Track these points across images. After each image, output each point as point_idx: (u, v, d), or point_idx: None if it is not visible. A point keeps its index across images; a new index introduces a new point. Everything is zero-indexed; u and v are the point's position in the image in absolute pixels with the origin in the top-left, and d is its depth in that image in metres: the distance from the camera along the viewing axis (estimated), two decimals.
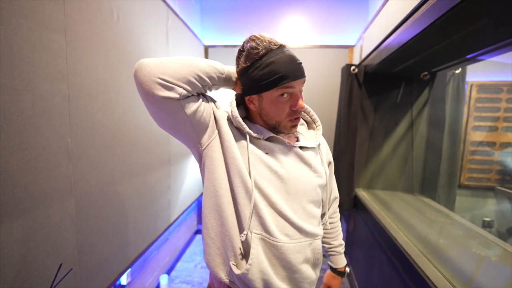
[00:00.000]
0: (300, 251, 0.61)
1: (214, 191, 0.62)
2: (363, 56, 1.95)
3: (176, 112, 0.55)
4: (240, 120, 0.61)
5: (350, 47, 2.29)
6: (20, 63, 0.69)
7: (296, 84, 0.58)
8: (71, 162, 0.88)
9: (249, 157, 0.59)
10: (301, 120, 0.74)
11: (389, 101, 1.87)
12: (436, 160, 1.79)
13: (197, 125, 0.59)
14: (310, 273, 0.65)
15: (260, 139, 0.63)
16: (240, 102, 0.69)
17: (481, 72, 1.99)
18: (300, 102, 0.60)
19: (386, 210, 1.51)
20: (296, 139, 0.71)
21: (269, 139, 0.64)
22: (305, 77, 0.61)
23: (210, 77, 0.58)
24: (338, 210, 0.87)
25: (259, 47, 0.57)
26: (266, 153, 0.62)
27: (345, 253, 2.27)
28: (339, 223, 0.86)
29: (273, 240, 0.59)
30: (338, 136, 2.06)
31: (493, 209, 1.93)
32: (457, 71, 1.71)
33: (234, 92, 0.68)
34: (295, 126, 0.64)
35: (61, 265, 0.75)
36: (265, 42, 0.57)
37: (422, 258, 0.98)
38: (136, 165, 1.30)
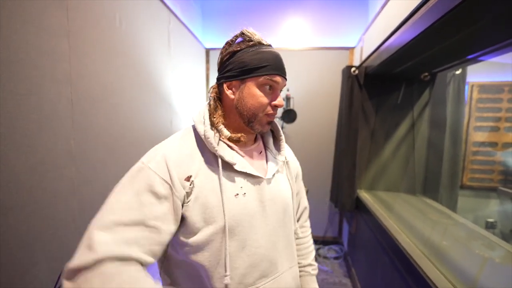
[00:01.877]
0: (281, 284, 0.60)
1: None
2: (364, 57, 1.95)
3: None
4: (213, 142, 0.54)
5: (351, 49, 2.30)
6: (26, 68, 0.71)
7: (281, 80, 0.57)
8: (75, 165, 0.89)
9: (223, 197, 0.53)
10: (268, 131, 0.68)
11: (390, 102, 1.87)
12: (437, 161, 1.79)
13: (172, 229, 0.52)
14: None
15: (233, 166, 0.56)
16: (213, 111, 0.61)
17: (482, 73, 1.99)
18: (281, 99, 0.59)
19: (388, 211, 1.50)
20: (263, 150, 0.66)
21: (241, 174, 0.57)
22: (286, 80, 0.60)
23: None
24: (308, 223, 0.81)
25: (252, 38, 0.57)
26: (241, 189, 0.56)
27: (348, 254, 2.26)
28: (309, 238, 0.79)
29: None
30: (339, 138, 2.06)
31: (496, 210, 1.92)
32: (457, 72, 1.71)
33: (202, 107, 0.61)
34: (270, 124, 0.60)
35: (62, 271, 0.75)
36: (258, 36, 0.58)
37: (424, 259, 0.98)
38: None
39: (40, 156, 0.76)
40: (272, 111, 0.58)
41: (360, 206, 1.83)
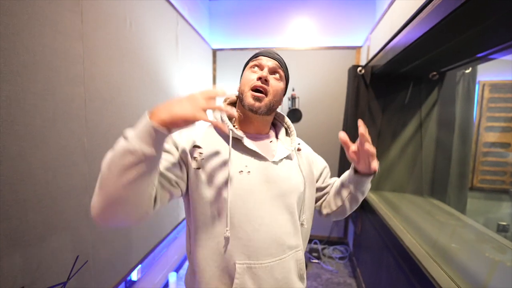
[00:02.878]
0: (285, 266, 0.62)
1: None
2: (370, 57, 1.94)
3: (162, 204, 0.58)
4: (226, 120, 0.64)
5: (358, 48, 2.29)
6: (43, 69, 0.75)
7: (263, 59, 0.66)
8: (87, 161, 0.93)
9: (230, 175, 0.59)
10: (282, 128, 0.76)
11: (397, 102, 1.85)
12: (446, 161, 1.76)
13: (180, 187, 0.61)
14: (298, 285, 0.67)
15: (241, 140, 0.63)
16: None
17: (493, 71, 1.94)
18: (263, 72, 0.65)
19: (395, 212, 1.49)
20: (274, 139, 0.72)
21: (250, 153, 0.64)
22: (277, 61, 0.67)
23: (133, 165, 0.46)
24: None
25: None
26: (248, 171, 0.62)
27: (353, 255, 2.23)
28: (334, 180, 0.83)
29: (258, 264, 0.60)
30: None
31: (508, 213, 1.87)
32: (467, 71, 1.68)
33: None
34: (256, 99, 0.64)
35: (77, 257, 0.80)
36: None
37: (429, 260, 0.97)
38: None
39: (55, 152, 0.80)
40: (256, 83, 0.64)
41: (365, 207, 1.82)
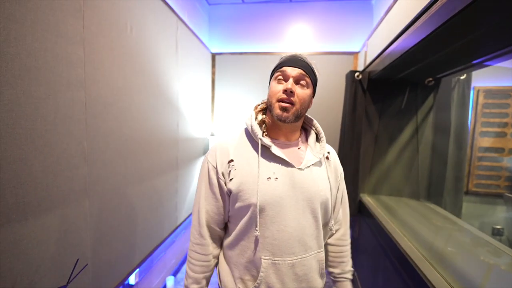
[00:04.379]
0: (305, 264, 0.68)
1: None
2: (368, 62, 1.97)
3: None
4: (256, 129, 0.70)
5: (355, 54, 2.32)
6: (45, 73, 0.76)
7: (288, 69, 0.68)
8: (87, 165, 0.94)
9: (259, 178, 0.66)
10: (312, 133, 0.79)
11: (394, 107, 1.88)
12: (442, 166, 1.78)
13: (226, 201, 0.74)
14: (317, 283, 0.73)
15: (269, 148, 0.68)
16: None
17: (488, 78, 1.98)
18: (288, 84, 0.67)
19: (391, 216, 1.51)
20: (304, 146, 0.76)
21: (277, 160, 0.69)
22: (300, 69, 0.68)
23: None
24: (349, 231, 0.88)
25: (284, 55, 0.74)
26: (276, 177, 0.67)
27: (351, 258, 2.25)
28: (349, 245, 0.88)
29: (281, 261, 0.67)
30: (342, 142, 2.07)
31: (503, 217, 1.89)
32: (462, 77, 1.72)
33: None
34: (283, 110, 0.67)
35: (78, 260, 0.80)
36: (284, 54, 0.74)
37: (426, 264, 0.98)
38: (146, 169, 1.35)
39: (56, 156, 0.80)
40: (282, 96, 0.67)
41: (363, 210, 1.84)
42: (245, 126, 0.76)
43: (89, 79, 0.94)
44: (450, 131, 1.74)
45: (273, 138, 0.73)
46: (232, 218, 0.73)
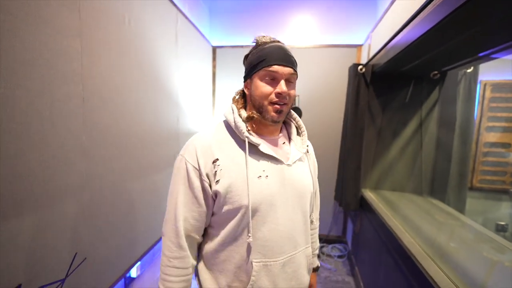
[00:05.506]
0: (295, 261, 0.67)
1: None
2: (371, 55, 1.92)
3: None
4: (241, 126, 0.63)
5: (358, 46, 2.27)
6: (40, 67, 0.75)
7: (279, 70, 0.62)
8: (85, 160, 0.93)
9: (248, 177, 0.61)
10: (293, 126, 0.75)
11: (397, 101, 1.84)
12: (446, 161, 1.75)
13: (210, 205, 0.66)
14: (306, 278, 0.72)
15: (257, 147, 0.63)
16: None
17: (495, 71, 1.93)
18: (282, 86, 0.62)
19: (393, 211, 1.49)
20: (287, 140, 0.73)
21: (266, 157, 0.65)
22: (292, 68, 0.63)
23: None
24: (318, 215, 0.89)
25: (259, 40, 0.66)
26: (266, 175, 0.63)
27: (352, 253, 2.25)
28: (317, 228, 0.90)
29: (272, 261, 0.64)
30: (345, 136, 2.05)
31: (507, 213, 1.87)
32: (468, 70, 1.67)
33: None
34: (278, 113, 0.64)
35: (76, 254, 0.80)
36: (263, 38, 0.66)
37: (427, 260, 0.97)
38: (146, 164, 1.35)
39: (53, 151, 0.80)
40: (276, 99, 0.63)
41: (364, 206, 1.82)
42: (223, 119, 0.70)
43: (86, 73, 0.92)
44: (455, 125, 1.70)
45: (258, 134, 0.68)
46: (216, 223, 0.66)
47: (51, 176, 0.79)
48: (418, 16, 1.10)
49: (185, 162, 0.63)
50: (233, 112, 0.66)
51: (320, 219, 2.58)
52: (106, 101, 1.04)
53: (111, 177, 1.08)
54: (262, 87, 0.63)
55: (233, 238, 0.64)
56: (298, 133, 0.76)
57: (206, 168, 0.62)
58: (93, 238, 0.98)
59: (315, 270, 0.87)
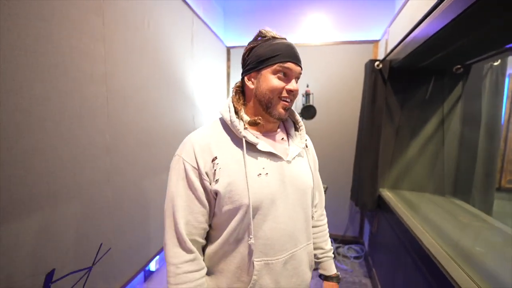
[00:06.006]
0: (296, 258, 0.66)
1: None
2: (388, 51, 1.87)
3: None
4: (238, 125, 0.61)
5: (375, 42, 2.21)
6: (70, 69, 0.80)
7: (293, 68, 0.62)
8: (109, 156, 0.99)
9: (248, 175, 0.59)
10: (289, 121, 0.75)
11: (417, 98, 1.77)
12: (470, 160, 1.66)
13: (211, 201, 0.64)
14: (307, 276, 0.71)
15: (256, 145, 0.62)
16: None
17: None
18: (294, 84, 0.63)
19: (413, 212, 1.44)
20: (285, 136, 0.72)
21: (265, 154, 0.64)
22: (300, 66, 0.64)
23: None
24: (324, 212, 0.86)
25: (267, 34, 0.65)
26: (266, 173, 0.62)
27: (369, 254, 2.19)
28: (326, 225, 0.86)
29: (274, 260, 0.63)
30: (361, 135, 2.00)
31: None
32: (495, 63, 1.57)
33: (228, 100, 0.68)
34: (286, 109, 0.64)
35: (101, 244, 0.85)
36: (272, 33, 0.66)
37: (450, 262, 0.93)
38: (165, 161, 1.40)
39: (82, 147, 0.85)
40: (286, 95, 0.63)
41: (382, 206, 1.77)
42: (220, 116, 0.68)
43: (110, 74, 0.98)
44: (480, 122, 1.61)
45: (256, 131, 0.66)
46: (216, 224, 0.64)
47: (80, 170, 0.85)
48: (440, 6, 1.05)
49: (183, 162, 0.61)
50: (229, 110, 0.64)
51: (336, 219, 2.55)
52: (127, 101, 1.09)
53: (132, 173, 1.14)
54: (273, 81, 0.62)
55: (234, 238, 0.62)
56: (296, 128, 0.75)
57: (205, 167, 0.60)
58: (116, 231, 1.04)
59: (338, 280, 0.81)
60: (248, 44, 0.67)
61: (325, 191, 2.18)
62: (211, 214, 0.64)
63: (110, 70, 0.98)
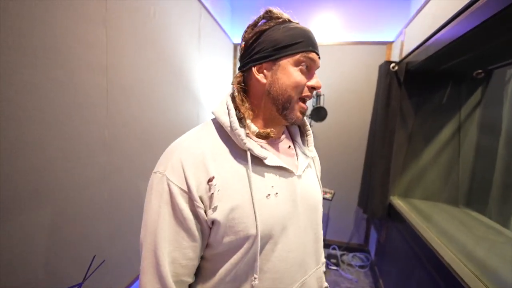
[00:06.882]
0: (305, 287, 0.55)
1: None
2: (404, 52, 1.79)
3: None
4: (241, 133, 0.47)
5: (388, 44, 2.13)
6: (64, 55, 0.72)
7: (316, 59, 0.51)
8: (106, 153, 0.90)
9: (255, 198, 0.47)
10: (295, 125, 0.62)
11: (432, 103, 1.69)
12: (488, 169, 1.58)
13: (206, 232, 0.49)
14: None
15: (263, 160, 0.49)
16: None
17: None
18: (317, 78, 0.51)
19: (428, 223, 1.36)
20: (291, 143, 0.60)
21: (274, 168, 0.51)
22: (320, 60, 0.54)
23: None
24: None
25: (282, 16, 0.53)
26: (276, 192, 0.50)
27: (375, 264, 2.09)
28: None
29: None
30: (372, 139, 1.92)
31: None
32: None
33: (225, 96, 0.54)
34: (303, 113, 0.53)
35: (94, 256, 0.76)
36: (286, 14, 0.54)
37: (477, 282, 0.85)
38: None
39: (75, 142, 0.77)
40: (308, 93, 0.52)
41: (392, 214, 1.69)
42: (213, 117, 0.54)
43: (111, 64, 0.90)
44: (501, 130, 1.53)
45: (260, 139, 0.52)
46: (211, 255, 0.50)
47: (73, 167, 0.76)
48: (471, 7, 0.97)
49: (168, 183, 0.45)
50: (229, 113, 0.49)
51: (341, 226, 2.46)
52: (129, 94, 1.01)
53: (133, 171, 1.05)
54: (298, 76, 0.49)
55: (233, 276, 0.49)
56: (302, 134, 0.62)
57: (199, 190, 0.45)
58: (112, 234, 0.95)
59: None
60: (253, 26, 0.53)
61: (332, 197, 2.11)
62: (204, 246, 0.50)
63: (112, 59, 0.90)
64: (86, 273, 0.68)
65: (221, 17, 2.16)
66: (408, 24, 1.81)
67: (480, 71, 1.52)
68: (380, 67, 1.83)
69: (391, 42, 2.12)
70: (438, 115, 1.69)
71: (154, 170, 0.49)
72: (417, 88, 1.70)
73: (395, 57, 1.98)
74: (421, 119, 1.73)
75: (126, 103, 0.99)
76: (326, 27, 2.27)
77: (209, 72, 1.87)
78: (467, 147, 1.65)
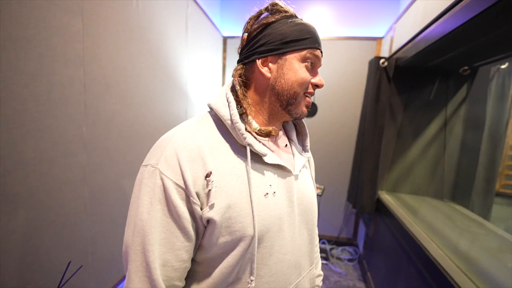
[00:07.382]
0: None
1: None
2: (394, 48, 1.79)
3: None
4: (242, 128, 0.45)
5: (378, 39, 2.13)
6: (36, 46, 0.66)
7: (320, 57, 0.52)
8: (86, 152, 0.85)
9: (252, 197, 0.45)
10: (290, 123, 0.61)
11: (421, 98, 1.71)
12: (471, 164, 1.63)
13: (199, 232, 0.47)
14: None
15: (263, 157, 0.48)
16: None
17: None
18: (319, 77, 0.52)
19: (415, 217, 1.39)
20: (288, 141, 0.59)
21: (272, 167, 0.50)
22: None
23: None
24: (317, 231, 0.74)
25: (289, 9, 0.52)
26: (273, 191, 0.49)
27: (364, 257, 2.14)
28: (318, 247, 0.71)
29: None
30: (362, 135, 1.93)
31: None
32: (503, 66, 1.53)
33: (225, 88, 0.51)
34: (308, 107, 0.53)
35: (69, 263, 0.72)
36: (292, 10, 0.53)
37: (462, 276, 0.87)
38: None
39: (51, 141, 0.71)
40: (312, 90, 0.51)
41: (381, 209, 1.72)
42: (208, 110, 0.52)
43: (88, 56, 0.83)
44: (484, 126, 1.57)
45: (259, 133, 0.50)
46: (203, 258, 0.48)
47: (48, 168, 0.71)
48: (461, 3, 0.97)
49: (161, 177, 0.42)
50: (229, 106, 0.46)
51: (331, 220, 2.49)
52: (110, 89, 0.95)
53: (115, 170, 1.00)
54: (304, 72, 0.49)
55: (229, 279, 0.46)
56: (297, 132, 0.61)
57: (196, 185, 0.42)
58: (94, 237, 0.91)
59: None
60: (253, 19, 0.52)
61: (322, 193, 2.12)
62: (196, 247, 0.47)
63: (90, 51, 0.84)
64: (61, 280, 0.64)
65: (209, 8, 2.08)
66: (398, 19, 1.81)
67: (466, 67, 1.55)
68: (370, 62, 1.83)
69: (381, 38, 2.12)
70: (425, 111, 1.71)
71: (144, 163, 0.45)
72: (406, 84, 1.71)
73: (385, 52, 1.99)
74: (409, 114, 1.75)
75: (106, 98, 0.93)
76: (317, 22, 2.24)
77: (197, 66, 1.81)
78: (452, 143, 1.69)
